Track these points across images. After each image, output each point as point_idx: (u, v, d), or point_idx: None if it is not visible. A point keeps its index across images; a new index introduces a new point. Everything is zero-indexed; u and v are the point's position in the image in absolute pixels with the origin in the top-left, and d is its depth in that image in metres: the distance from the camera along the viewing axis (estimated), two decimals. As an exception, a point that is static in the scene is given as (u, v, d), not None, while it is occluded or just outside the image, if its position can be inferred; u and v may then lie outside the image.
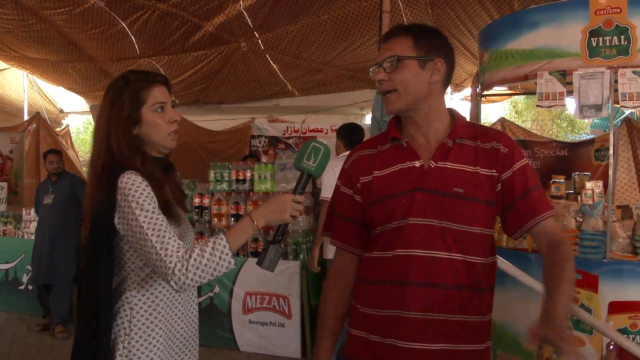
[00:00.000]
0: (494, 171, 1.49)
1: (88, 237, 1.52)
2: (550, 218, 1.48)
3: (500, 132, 1.62)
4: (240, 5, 5.85)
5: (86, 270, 1.54)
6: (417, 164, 1.50)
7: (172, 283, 1.39)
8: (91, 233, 1.51)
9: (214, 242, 1.42)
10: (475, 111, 4.41)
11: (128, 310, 1.52)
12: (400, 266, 1.46)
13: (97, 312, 1.47)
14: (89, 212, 1.52)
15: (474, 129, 1.55)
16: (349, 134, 3.98)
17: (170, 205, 1.54)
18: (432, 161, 1.48)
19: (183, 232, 1.60)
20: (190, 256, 1.39)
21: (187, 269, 1.38)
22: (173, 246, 1.40)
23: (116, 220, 1.46)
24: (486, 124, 8.86)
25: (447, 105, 1.60)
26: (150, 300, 1.54)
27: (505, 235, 3.51)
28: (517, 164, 1.49)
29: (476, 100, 4.40)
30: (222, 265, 1.41)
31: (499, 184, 1.49)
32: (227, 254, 1.41)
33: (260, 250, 4.37)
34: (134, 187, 1.45)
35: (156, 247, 1.39)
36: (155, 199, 1.47)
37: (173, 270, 1.38)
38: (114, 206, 1.45)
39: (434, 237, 1.45)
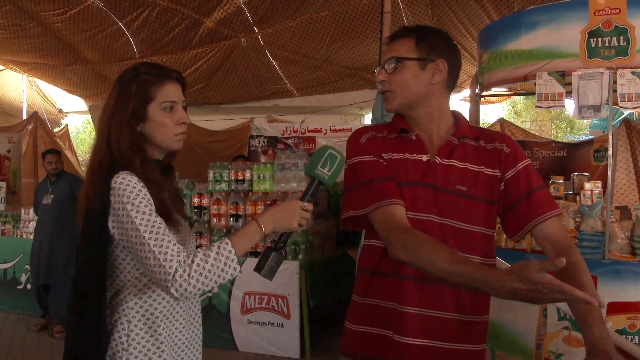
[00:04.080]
0: (497, 171, 1.49)
1: (79, 242, 1.41)
2: (552, 219, 1.45)
3: (502, 133, 1.63)
4: (240, 1, 5.85)
5: (77, 278, 1.42)
6: (425, 158, 1.49)
7: (172, 290, 1.27)
8: (82, 237, 1.40)
9: (219, 247, 1.32)
10: (475, 112, 4.41)
11: (125, 324, 1.40)
12: None
13: (88, 324, 1.36)
14: (82, 213, 1.41)
15: (477, 130, 1.57)
16: None
17: (169, 210, 1.43)
18: (437, 157, 1.49)
19: (183, 239, 1.50)
20: (192, 261, 1.29)
21: (189, 275, 1.27)
22: (173, 250, 1.29)
23: (110, 225, 1.35)
24: (485, 125, 8.88)
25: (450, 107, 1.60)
26: (149, 313, 1.43)
27: (504, 235, 3.51)
28: (521, 163, 1.50)
29: (475, 101, 4.40)
30: (227, 271, 1.32)
31: (502, 184, 1.49)
32: (232, 260, 1.32)
33: (259, 250, 4.36)
34: (129, 188, 1.34)
35: (154, 251, 1.28)
36: (152, 200, 1.37)
37: (174, 275, 1.27)
38: (107, 209, 1.34)
39: (432, 233, 1.43)
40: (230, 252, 1.32)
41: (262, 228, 1.38)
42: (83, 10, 5.89)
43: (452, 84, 1.55)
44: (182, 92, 1.52)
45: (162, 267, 1.28)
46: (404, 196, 1.46)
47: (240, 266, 1.36)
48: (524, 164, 1.50)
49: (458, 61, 1.55)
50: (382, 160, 1.50)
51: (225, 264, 1.31)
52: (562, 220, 3.28)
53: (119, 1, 5.83)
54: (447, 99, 1.57)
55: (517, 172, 1.49)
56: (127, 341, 1.40)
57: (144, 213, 1.33)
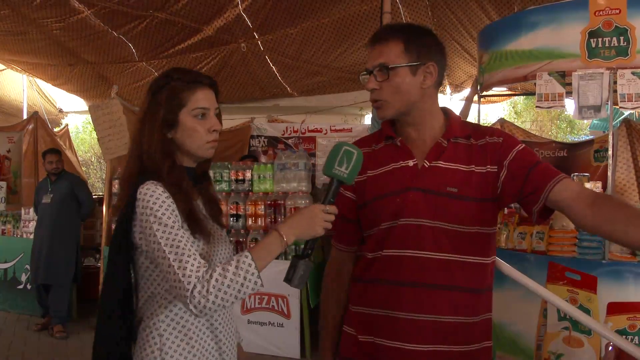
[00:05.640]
0: (489, 167, 1.47)
1: (109, 250, 1.42)
2: (567, 178, 1.42)
3: (493, 127, 1.61)
4: (240, 9, 5.83)
5: (105, 286, 1.40)
6: (411, 163, 1.49)
7: (191, 307, 1.23)
8: (111, 245, 1.40)
9: (238, 261, 1.26)
10: (466, 113, 4.44)
11: (157, 338, 1.36)
12: (392, 266, 1.46)
13: (113, 333, 1.35)
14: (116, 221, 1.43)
15: (468, 127, 1.54)
16: None
17: (197, 219, 1.38)
18: (426, 161, 1.48)
19: (212, 250, 1.42)
20: (211, 276, 1.24)
21: (207, 291, 1.22)
22: (192, 265, 1.25)
23: (136, 235, 1.34)
24: (486, 125, 8.88)
25: (444, 105, 1.60)
26: (180, 325, 1.38)
27: (504, 236, 3.51)
28: (517, 147, 1.48)
29: (470, 102, 4.42)
30: (248, 286, 1.25)
31: (504, 171, 1.46)
32: (252, 274, 1.25)
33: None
34: (153, 199, 1.31)
35: (174, 265, 1.25)
36: (177, 212, 1.33)
37: (192, 292, 1.23)
38: (131, 218, 1.33)
39: (426, 238, 1.44)
40: (250, 265, 1.26)
41: (285, 238, 1.32)
42: (80, 20, 5.89)
43: (440, 83, 1.54)
44: (216, 98, 1.48)
45: (181, 282, 1.24)
46: (391, 205, 1.46)
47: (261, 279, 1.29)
48: (521, 146, 1.48)
49: (446, 58, 1.54)
50: (348, 194, 1.57)
51: (244, 278, 1.25)
52: (563, 220, 3.28)
53: (115, 15, 5.81)
54: (437, 98, 1.56)
55: (517, 153, 1.46)
56: (160, 355, 1.36)
57: (165, 225, 1.30)
